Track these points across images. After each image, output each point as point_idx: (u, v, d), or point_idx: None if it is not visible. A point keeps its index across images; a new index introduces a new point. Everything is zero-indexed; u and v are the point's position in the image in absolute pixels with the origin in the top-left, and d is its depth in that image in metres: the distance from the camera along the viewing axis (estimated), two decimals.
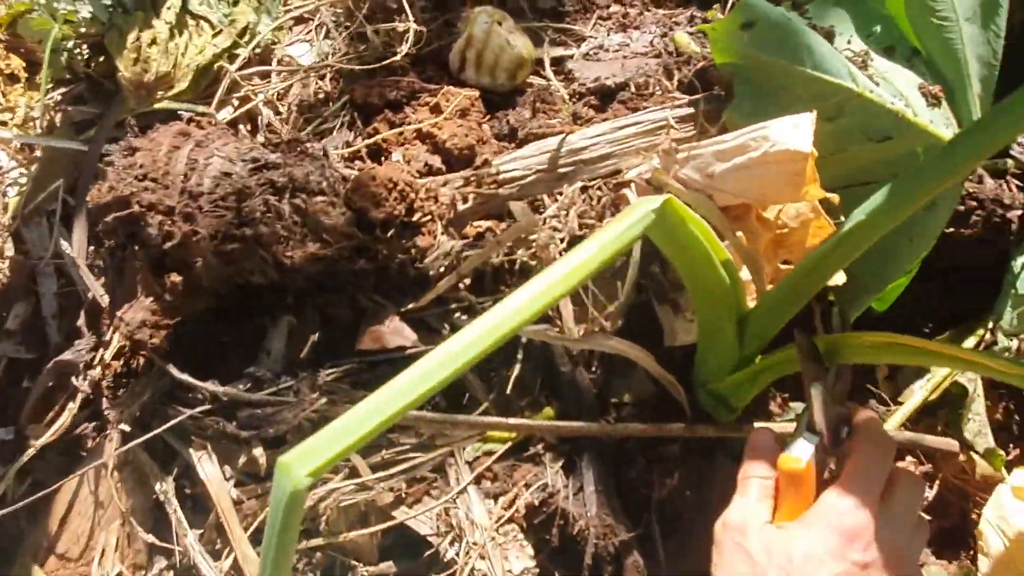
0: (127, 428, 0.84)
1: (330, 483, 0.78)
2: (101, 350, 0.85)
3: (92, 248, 0.88)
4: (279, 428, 0.77)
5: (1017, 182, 0.96)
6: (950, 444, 0.86)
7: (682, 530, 0.87)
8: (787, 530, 0.60)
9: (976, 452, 0.93)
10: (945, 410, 0.97)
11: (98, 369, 0.84)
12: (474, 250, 0.85)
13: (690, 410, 0.86)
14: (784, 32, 0.87)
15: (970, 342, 0.98)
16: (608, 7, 1.15)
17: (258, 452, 0.78)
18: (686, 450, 0.88)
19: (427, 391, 0.42)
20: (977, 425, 0.94)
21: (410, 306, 0.87)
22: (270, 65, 1.00)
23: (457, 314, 0.87)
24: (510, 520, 0.79)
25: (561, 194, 0.88)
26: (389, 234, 0.84)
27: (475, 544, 0.76)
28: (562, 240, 0.87)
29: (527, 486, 0.79)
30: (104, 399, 0.86)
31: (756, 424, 0.85)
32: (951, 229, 0.95)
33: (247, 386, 0.82)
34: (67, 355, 0.84)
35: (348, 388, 0.83)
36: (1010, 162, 0.98)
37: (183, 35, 0.93)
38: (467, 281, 0.88)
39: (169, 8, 0.93)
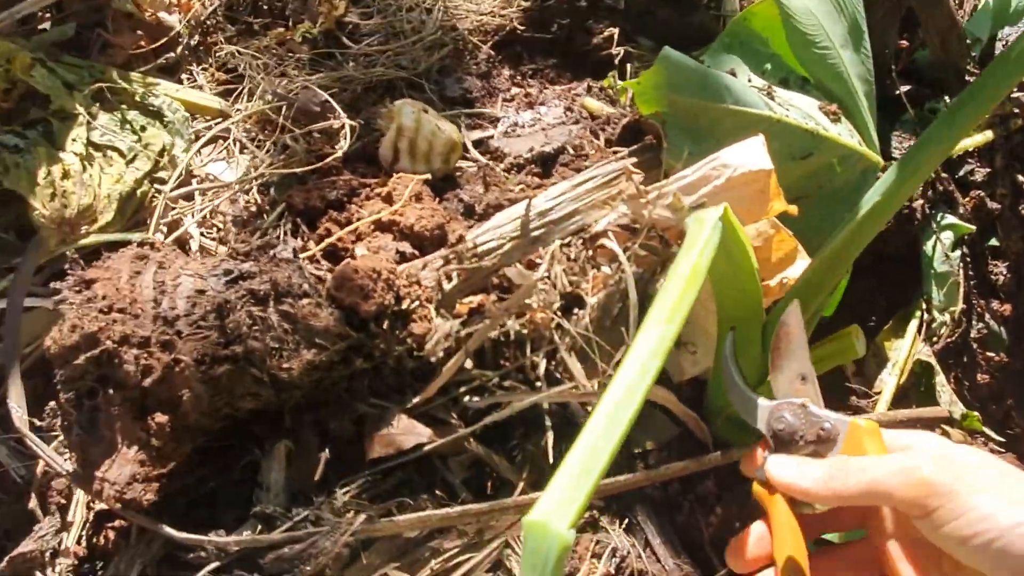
0: None
1: None
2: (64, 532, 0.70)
3: (54, 406, 0.72)
4: (317, 563, 0.66)
5: None
6: (940, 411, 0.92)
7: None
8: None
9: (953, 418, 1.00)
10: (912, 390, 1.05)
11: (71, 557, 0.68)
12: (472, 327, 0.81)
13: (711, 443, 0.86)
14: (702, 77, 0.95)
15: (913, 324, 1.07)
16: (509, 90, 1.20)
17: None
18: (719, 483, 0.87)
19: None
20: (947, 395, 1.01)
21: (416, 400, 0.80)
22: (190, 186, 0.93)
23: (467, 397, 0.82)
24: None
25: (539, 258, 0.87)
26: (384, 327, 0.78)
27: None
28: (553, 303, 0.86)
29: (596, 556, 0.73)
30: None
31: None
32: None
33: (258, 529, 0.71)
34: (26, 546, 0.67)
35: (369, 503, 0.74)
36: None
37: (93, 166, 0.84)
38: (469, 362, 0.83)
39: (75, 140, 0.84)
